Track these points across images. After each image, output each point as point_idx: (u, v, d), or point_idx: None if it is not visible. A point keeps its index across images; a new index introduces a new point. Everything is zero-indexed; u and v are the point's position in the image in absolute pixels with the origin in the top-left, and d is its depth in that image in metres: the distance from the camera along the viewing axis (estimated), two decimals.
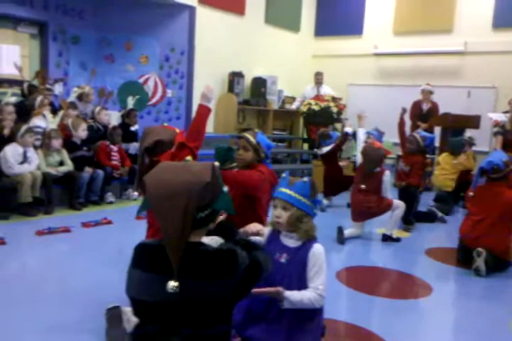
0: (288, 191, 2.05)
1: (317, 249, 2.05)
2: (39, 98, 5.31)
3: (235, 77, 8.03)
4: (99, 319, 2.45)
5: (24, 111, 5.18)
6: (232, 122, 7.95)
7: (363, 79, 9.44)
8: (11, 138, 4.72)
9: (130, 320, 2.34)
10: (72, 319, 2.58)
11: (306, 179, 2.07)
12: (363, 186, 4.34)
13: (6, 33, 6.53)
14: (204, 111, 2.66)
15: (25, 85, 5.72)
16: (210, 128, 7.57)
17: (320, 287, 2.00)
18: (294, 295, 1.96)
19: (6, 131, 4.76)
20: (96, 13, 7.11)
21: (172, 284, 1.30)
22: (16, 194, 4.53)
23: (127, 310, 2.31)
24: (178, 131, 2.66)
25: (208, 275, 1.33)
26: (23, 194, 4.54)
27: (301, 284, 2.02)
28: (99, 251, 3.75)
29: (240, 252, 1.40)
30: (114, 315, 2.39)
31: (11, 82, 6.06)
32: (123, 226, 4.46)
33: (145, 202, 1.42)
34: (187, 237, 1.33)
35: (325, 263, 2.06)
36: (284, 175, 2.15)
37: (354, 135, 6.09)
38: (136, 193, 5.38)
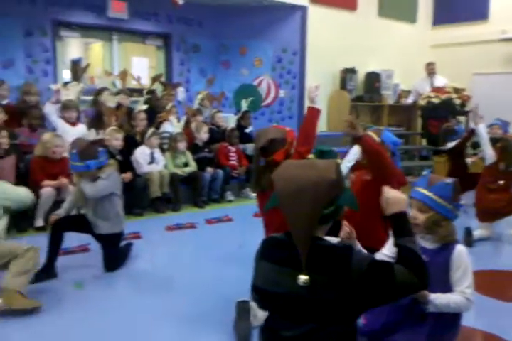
0: (426, 192, 1.92)
1: (460, 250, 1.93)
2: (168, 105, 5.79)
3: (348, 73, 7.92)
4: (225, 312, 2.63)
5: (151, 117, 5.68)
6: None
7: (489, 67, 8.71)
8: (142, 142, 5.23)
9: (257, 315, 2.47)
10: (201, 310, 2.79)
11: (449, 180, 1.93)
12: (501, 182, 4.06)
13: (136, 46, 7.22)
14: (312, 113, 2.67)
15: (145, 92, 6.25)
16: (322, 126, 7.57)
17: (467, 290, 1.89)
18: (439, 299, 1.87)
19: (139, 136, 5.27)
20: (214, 21, 7.53)
21: (303, 278, 1.34)
22: (147, 192, 5.00)
23: (254, 305, 2.41)
24: (287, 129, 2.71)
25: (330, 270, 1.35)
26: (153, 189, 5.00)
27: (444, 287, 1.91)
28: (221, 246, 3.98)
29: (356, 251, 1.39)
30: (243, 308, 2.53)
31: (135, 91, 6.63)
32: (242, 224, 4.68)
33: (273, 199, 1.45)
34: (313, 233, 1.37)
35: (470, 266, 1.93)
36: (424, 172, 2.04)
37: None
38: (253, 194, 5.60)
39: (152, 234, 4.29)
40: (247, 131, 6.36)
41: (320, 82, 2.87)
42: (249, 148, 6.06)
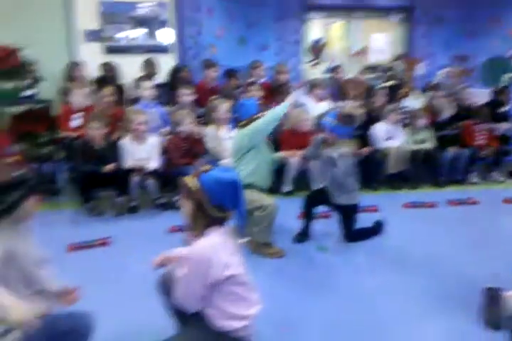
0: None
1: None
2: (408, 81, 5.64)
3: None
4: (467, 293, 2.55)
5: (391, 92, 5.60)
6: None
7: None
8: (378, 118, 5.23)
9: (507, 307, 2.28)
10: (440, 290, 2.74)
11: None
12: None
13: (376, 22, 7.16)
14: None
15: (385, 68, 6.16)
16: None
17: None
18: None
19: (378, 112, 5.27)
20: None
21: None
22: (383, 167, 4.99)
23: (508, 295, 2.24)
24: None
25: None
26: (390, 165, 4.95)
27: None
28: (465, 229, 3.74)
29: None
30: (493, 296, 2.38)
31: (374, 68, 6.62)
32: (489, 208, 4.28)
33: None
34: None
35: None
36: None
37: None
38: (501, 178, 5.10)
39: (389, 210, 4.27)
40: (503, 109, 5.71)
41: None
42: (503, 127, 5.47)
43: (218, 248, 1.82)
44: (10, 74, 4.30)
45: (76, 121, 4.44)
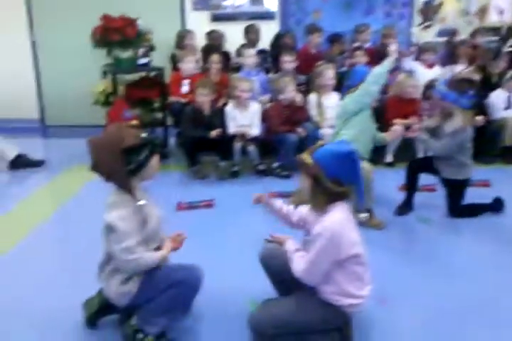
0: None
1: None
2: None
3: None
4: None
5: None
6: None
7: None
8: (497, 85, 4.81)
9: None
10: None
11: None
12: None
13: None
14: None
15: (504, 28, 5.56)
16: None
17: None
18: None
19: (497, 78, 4.84)
20: None
21: None
22: (499, 140, 4.62)
23: None
24: None
25: None
26: (505, 138, 4.58)
27: None
28: None
29: None
30: None
31: (494, 30, 6.00)
32: None
33: None
34: None
35: None
36: None
37: None
38: None
39: (503, 186, 3.99)
40: None
41: None
42: None
43: (346, 224, 1.85)
44: (127, 43, 4.57)
45: (185, 87, 4.65)
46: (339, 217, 1.84)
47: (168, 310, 1.97)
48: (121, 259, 1.85)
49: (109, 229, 1.86)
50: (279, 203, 2.19)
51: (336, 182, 1.82)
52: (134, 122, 3.78)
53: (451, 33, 5.50)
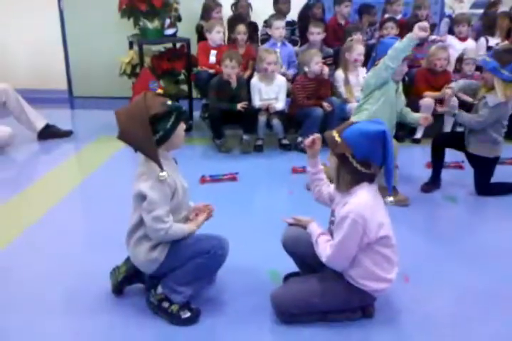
0: None
1: None
2: None
3: None
4: None
5: None
6: None
7: None
8: None
9: None
10: None
11: None
12: None
13: None
14: None
15: None
16: None
17: None
18: None
19: None
20: None
21: None
22: None
23: None
24: None
25: None
26: None
27: None
28: None
29: None
30: None
31: None
32: None
33: None
34: None
35: None
36: None
37: None
38: None
39: None
40: None
41: None
42: None
43: (372, 206, 1.80)
44: (153, 14, 4.52)
45: (212, 57, 4.59)
46: (365, 198, 1.79)
47: (193, 280, 2.01)
48: (152, 228, 1.90)
49: (141, 198, 1.90)
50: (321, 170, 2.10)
51: (364, 163, 1.77)
52: (160, 91, 3.77)
53: (491, 3, 5.25)
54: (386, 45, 3.13)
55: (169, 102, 1.92)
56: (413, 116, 3.31)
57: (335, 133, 1.81)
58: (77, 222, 3.08)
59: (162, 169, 1.86)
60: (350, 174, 1.81)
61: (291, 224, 2.14)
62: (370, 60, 3.39)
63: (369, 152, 1.76)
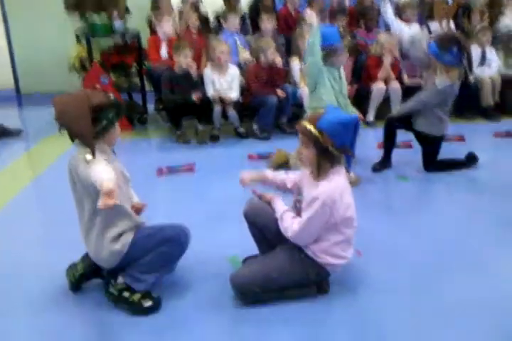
0: None
1: None
2: None
3: None
4: None
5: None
6: None
7: None
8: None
9: None
10: None
11: None
12: None
13: None
14: None
15: None
16: None
17: None
18: None
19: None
20: None
21: None
22: (477, 98, 4.65)
23: None
24: None
25: None
26: (484, 98, 4.63)
27: None
28: None
29: None
30: None
31: None
32: None
33: None
34: None
35: None
36: None
37: None
38: None
39: (477, 140, 4.08)
40: None
41: None
42: None
43: (343, 188, 1.91)
44: (100, 5, 4.41)
45: (164, 51, 4.53)
46: (337, 180, 1.90)
47: (156, 268, 2.03)
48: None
49: (90, 184, 1.80)
50: (270, 175, 2.19)
51: (342, 149, 1.87)
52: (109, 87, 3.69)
53: None
54: (324, 34, 3.13)
55: (112, 97, 1.93)
56: (353, 110, 3.40)
57: (310, 126, 1.87)
58: (28, 223, 2.91)
59: (94, 155, 1.80)
60: (328, 162, 1.90)
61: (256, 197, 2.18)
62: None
63: (346, 139, 1.88)
